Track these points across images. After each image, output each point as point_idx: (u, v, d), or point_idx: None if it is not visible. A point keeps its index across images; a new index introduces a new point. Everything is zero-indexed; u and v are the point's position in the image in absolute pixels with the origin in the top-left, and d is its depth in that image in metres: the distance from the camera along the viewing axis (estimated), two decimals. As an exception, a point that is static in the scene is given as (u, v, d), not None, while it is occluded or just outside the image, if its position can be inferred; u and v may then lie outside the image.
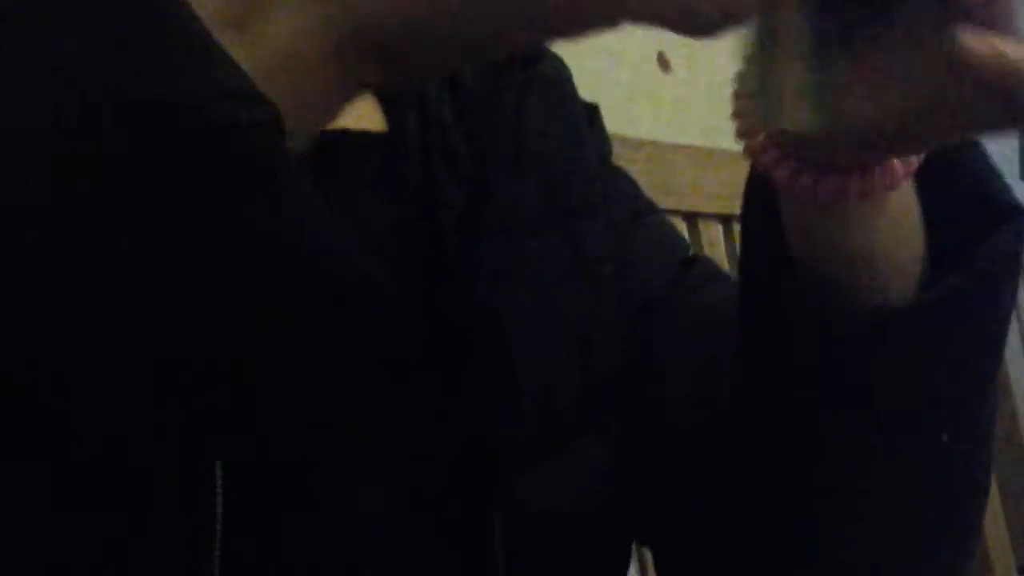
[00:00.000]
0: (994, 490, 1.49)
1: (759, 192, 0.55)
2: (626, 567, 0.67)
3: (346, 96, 0.43)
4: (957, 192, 0.54)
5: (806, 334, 0.54)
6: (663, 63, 1.98)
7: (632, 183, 0.73)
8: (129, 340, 0.38)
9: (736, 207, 0.60)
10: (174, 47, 0.37)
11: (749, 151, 0.52)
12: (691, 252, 0.72)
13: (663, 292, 0.66)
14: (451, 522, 0.56)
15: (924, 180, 0.53)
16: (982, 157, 0.55)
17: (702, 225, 1.33)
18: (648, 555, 1.15)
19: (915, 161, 0.50)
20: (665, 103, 1.98)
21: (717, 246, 1.34)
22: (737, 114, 0.52)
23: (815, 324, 0.53)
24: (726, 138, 0.55)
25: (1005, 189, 0.54)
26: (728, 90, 0.51)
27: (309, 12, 0.40)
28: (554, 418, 0.59)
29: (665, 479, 0.63)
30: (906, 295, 0.53)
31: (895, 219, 0.52)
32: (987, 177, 0.54)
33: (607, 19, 0.41)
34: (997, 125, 0.46)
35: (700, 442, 0.61)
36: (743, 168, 0.56)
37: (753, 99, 0.50)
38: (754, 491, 0.59)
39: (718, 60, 2.10)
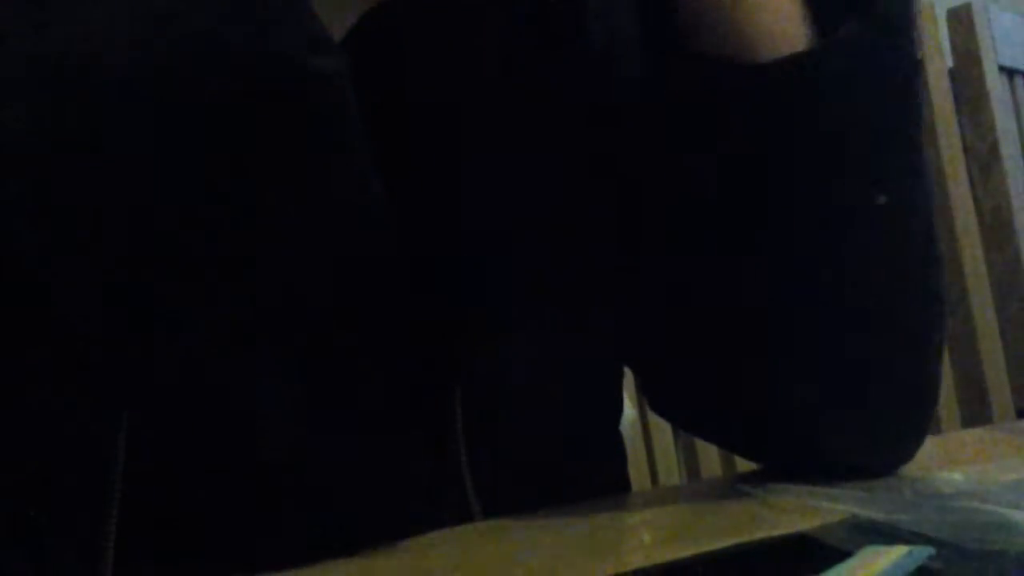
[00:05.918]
0: (994, 333, 1.49)
1: None
2: (617, 415, 0.69)
3: None
4: None
5: (694, 83, 0.53)
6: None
7: None
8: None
9: None
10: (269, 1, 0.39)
11: None
12: None
13: None
14: (411, 398, 0.56)
15: None
16: None
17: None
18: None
19: None
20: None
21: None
22: None
23: (702, 73, 0.52)
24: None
25: None
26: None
27: None
28: (522, 283, 0.59)
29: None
30: (797, 44, 0.52)
31: None
32: None
33: None
34: None
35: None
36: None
37: None
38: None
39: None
